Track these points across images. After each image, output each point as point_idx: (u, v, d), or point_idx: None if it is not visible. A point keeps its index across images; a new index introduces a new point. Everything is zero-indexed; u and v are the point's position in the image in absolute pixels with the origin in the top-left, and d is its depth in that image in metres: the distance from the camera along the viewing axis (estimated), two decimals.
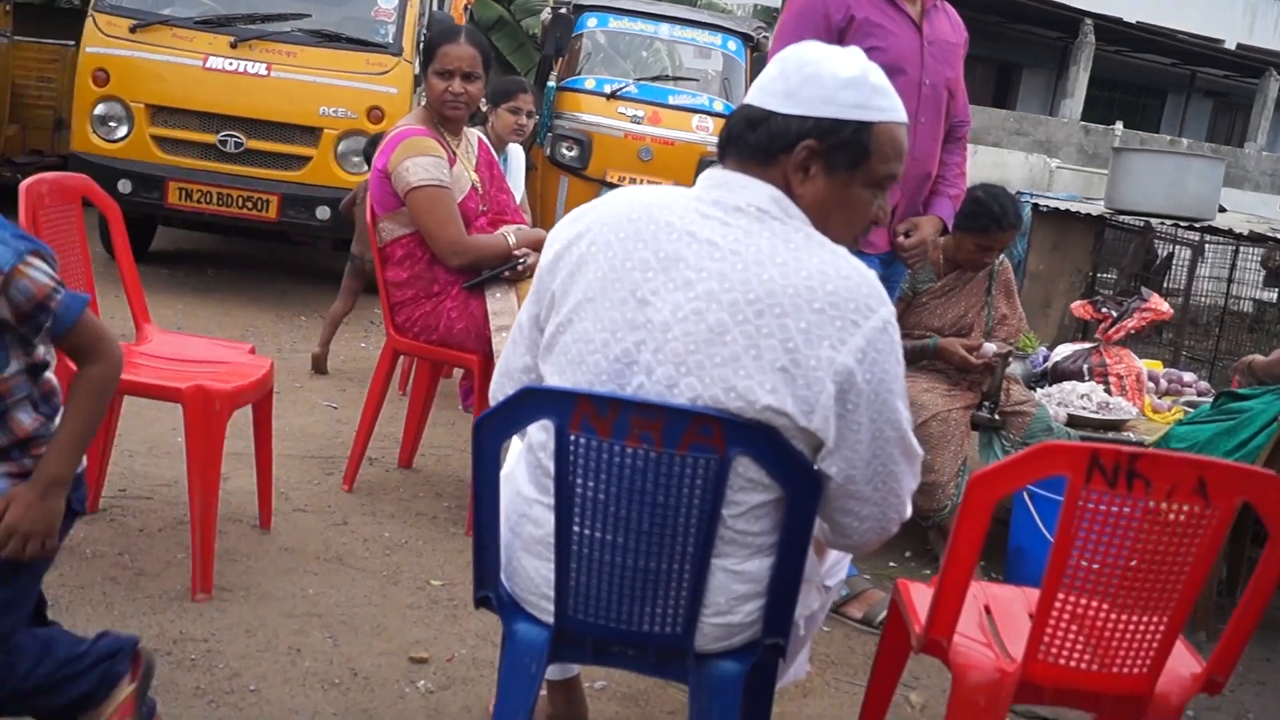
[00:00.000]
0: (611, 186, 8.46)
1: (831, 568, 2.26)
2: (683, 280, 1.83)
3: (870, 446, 1.83)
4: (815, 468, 1.84)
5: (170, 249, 8.51)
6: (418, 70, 4.04)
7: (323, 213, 7.02)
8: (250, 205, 7.04)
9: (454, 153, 4.04)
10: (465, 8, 10.42)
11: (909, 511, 1.95)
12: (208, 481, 3.07)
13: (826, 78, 1.87)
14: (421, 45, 4.11)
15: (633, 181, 8.52)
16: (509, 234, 4.03)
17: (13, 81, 8.69)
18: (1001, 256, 4.35)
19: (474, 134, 4.35)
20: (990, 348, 4.12)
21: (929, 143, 3.56)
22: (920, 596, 2.28)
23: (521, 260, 3.95)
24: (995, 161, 20.28)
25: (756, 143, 1.90)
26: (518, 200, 5.54)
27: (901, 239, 3.56)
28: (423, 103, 4.12)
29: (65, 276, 3.41)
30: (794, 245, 1.83)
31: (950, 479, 3.88)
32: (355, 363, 6.04)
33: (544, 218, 8.81)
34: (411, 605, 3.21)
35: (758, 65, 9.00)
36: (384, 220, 3.98)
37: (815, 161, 1.88)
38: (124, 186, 6.93)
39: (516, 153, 5.71)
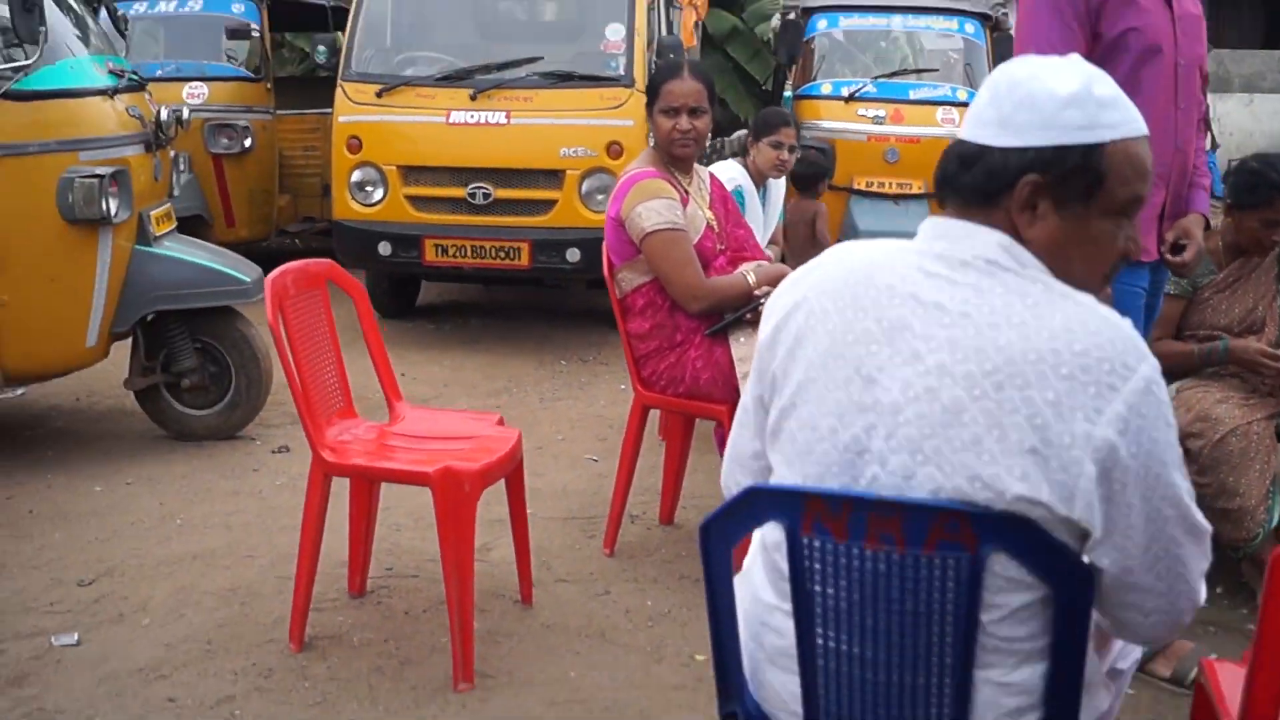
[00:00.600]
0: (860, 194, 8.22)
1: (1122, 650, 2.01)
2: (910, 352, 1.63)
3: (1146, 530, 1.59)
4: (1085, 559, 1.61)
5: (437, 301, 8.77)
6: (649, 103, 3.96)
7: (573, 255, 7.04)
8: (503, 255, 7.14)
9: (686, 191, 3.94)
10: (696, 24, 10.36)
11: (1203, 596, 1.69)
12: (462, 566, 3.05)
13: (1042, 98, 1.63)
14: (646, 84, 4.02)
15: (881, 186, 8.25)
16: (748, 273, 3.90)
17: (280, 153, 9.15)
18: None
19: (705, 170, 4.24)
20: None
21: (1188, 129, 3.23)
22: (1231, 681, 1.98)
23: (763, 299, 3.80)
24: (1275, 110, 18.66)
25: (974, 183, 1.68)
26: (767, 236, 5.42)
27: (1170, 256, 3.23)
28: (652, 143, 4.04)
29: (314, 361, 3.52)
30: (1032, 300, 1.61)
31: (1259, 502, 3.46)
32: (616, 407, 5.99)
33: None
34: (676, 686, 3.10)
35: (999, 46, 8.57)
36: (622, 270, 3.91)
37: (1042, 198, 1.64)
38: (384, 249, 7.18)
39: (777, 188, 5.63)
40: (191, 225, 8.43)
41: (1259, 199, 3.66)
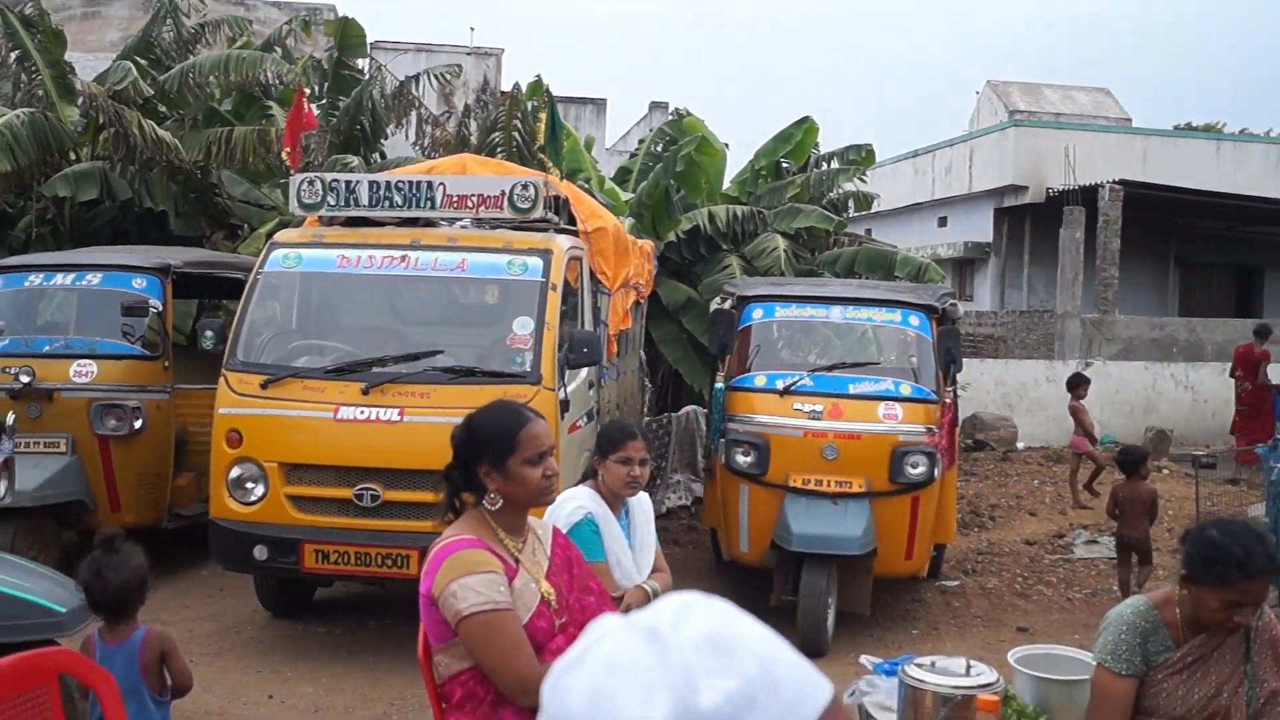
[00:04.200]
0: (795, 491, 7.61)
1: None
2: None
3: None
4: None
5: (341, 596, 8.06)
6: (487, 463, 3.31)
7: None
8: (390, 562, 6.48)
9: (516, 560, 3.32)
10: (636, 304, 9.99)
11: None
12: None
13: None
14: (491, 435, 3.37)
15: (818, 484, 7.65)
16: None
17: (184, 429, 8.57)
18: (1264, 609, 3.27)
19: (545, 525, 3.63)
20: None
21: None
22: None
23: None
24: None
25: None
26: (645, 561, 4.74)
27: None
28: (484, 504, 3.40)
29: None
30: None
31: None
32: None
33: (728, 529, 8.02)
34: None
35: (946, 339, 8.11)
36: (438, 653, 3.29)
37: None
38: (260, 553, 6.55)
39: (640, 504, 4.82)
40: (71, 511, 7.85)
41: (1216, 576, 3.07)
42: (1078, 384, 12.56)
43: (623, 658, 1.00)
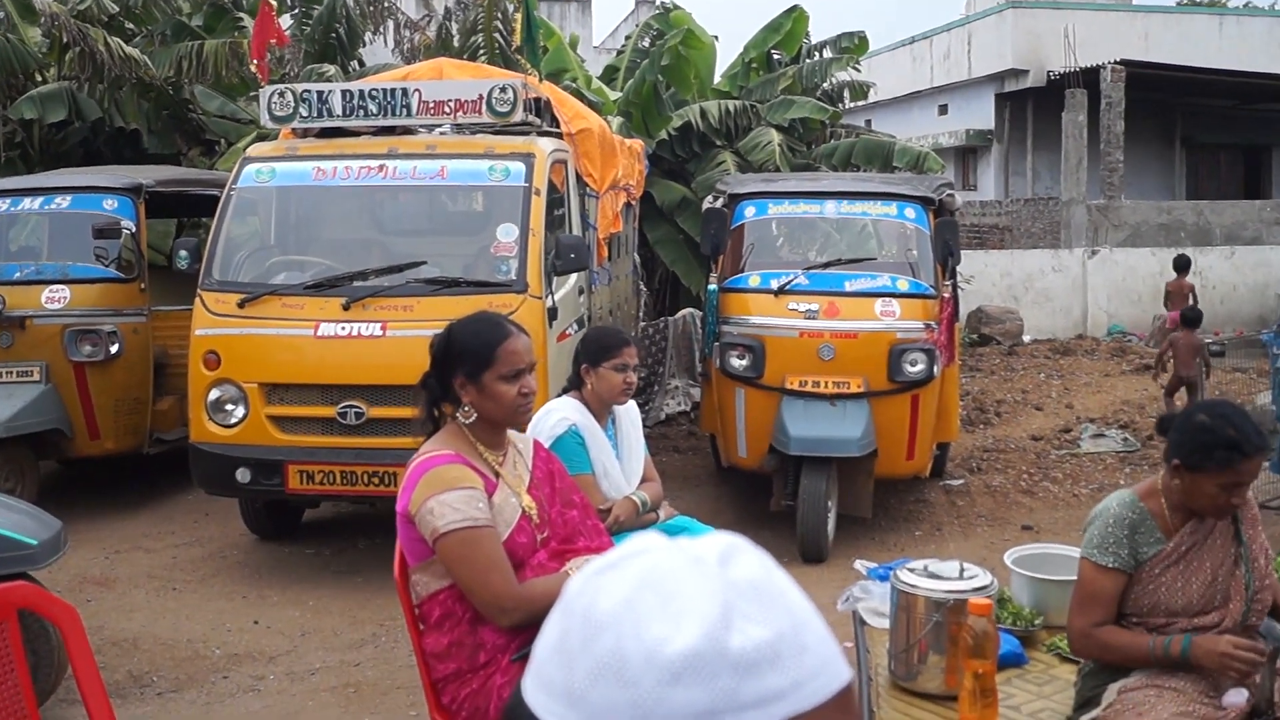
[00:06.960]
0: (792, 393, 7.41)
1: None
2: None
3: None
4: None
5: (330, 516, 7.93)
6: (463, 375, 3.16)
7: None
8: (377, 481, 6.33)
9: (496, 474, 3.17)
10: (627, 205, 9.73)
11: None
12: None
13: (636, 663, 0.88)
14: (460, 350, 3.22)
15: (815, 385, 7.44)
16: (574, 573, 3.08)
17: (164, 353, 8.34)
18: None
19: (526, 438, 3.47)
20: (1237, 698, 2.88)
21: None
22: None
23: None
24: (1258, 261, 18.32)
25: None
26: (634, 470, 4.55)
27: None
28: (458, 416, 3.27)
29: None
30: None
31: None
32: None
33: (725, 434, 7.85)
34: None
35: (943, 231, 7.85)
36: (415, 572, 3.17)
37: None
38: (242, 475, 6.39)
39: (628, 413, 4.60)
40: (49, 440, 7.68)
41: (1216, 461, 2.95)
42: (1186, 265, 14.05)
43: (663, 575, 0.93)
